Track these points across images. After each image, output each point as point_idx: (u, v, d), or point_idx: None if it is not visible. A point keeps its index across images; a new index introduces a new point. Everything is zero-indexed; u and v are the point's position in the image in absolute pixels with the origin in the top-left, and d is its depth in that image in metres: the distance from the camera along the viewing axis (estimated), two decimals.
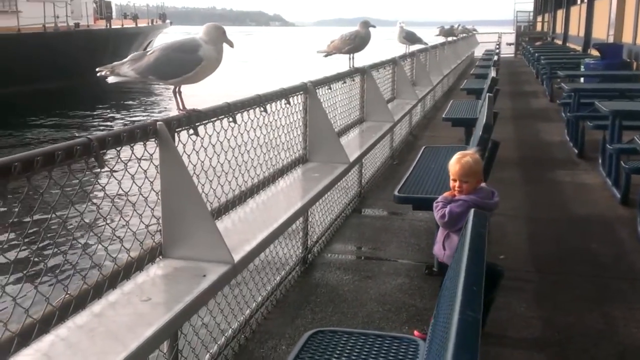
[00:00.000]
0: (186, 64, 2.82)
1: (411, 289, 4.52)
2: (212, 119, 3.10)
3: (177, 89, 2.91)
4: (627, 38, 15.64)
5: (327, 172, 4.43)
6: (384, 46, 22.20)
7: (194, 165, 2.91)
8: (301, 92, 4.52)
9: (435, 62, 13.09)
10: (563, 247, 5.35)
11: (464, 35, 23.32)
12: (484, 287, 1.66)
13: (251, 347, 3.73)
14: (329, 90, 5.42)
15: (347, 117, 6.10)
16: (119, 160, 2.41)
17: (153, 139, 2.56)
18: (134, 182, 2.51)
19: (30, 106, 23.42)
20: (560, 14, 31.77)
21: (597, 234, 5.68)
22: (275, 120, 4.05)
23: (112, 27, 33.28)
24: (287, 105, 4.21)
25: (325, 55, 6.60)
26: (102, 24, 34.06)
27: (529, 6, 49.29)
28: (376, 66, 7.21)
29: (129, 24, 36.11)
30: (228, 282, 2.71)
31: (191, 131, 3.00)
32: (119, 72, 2.80)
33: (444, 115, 8.82)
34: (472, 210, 2.25)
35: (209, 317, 3.59)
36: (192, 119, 2.86)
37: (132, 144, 2.48)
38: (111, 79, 2.81)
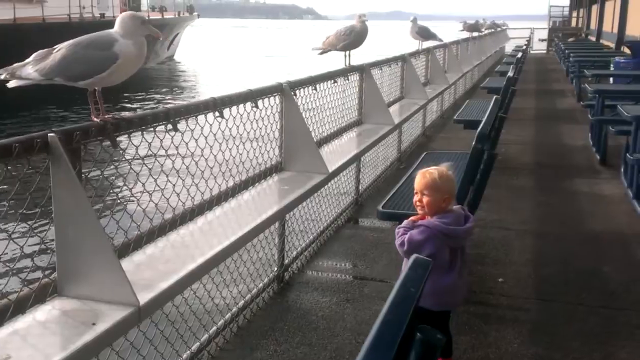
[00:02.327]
0: (98, 62, 2.40)
1: None
2: (142, 127, 2.67)
3: (92, 93, 2.49)
4: None
5: (299, 183, 3.97)
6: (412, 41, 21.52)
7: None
8: (276, 94, 4.06)
9: (454, 59, 12.48)
10: (571, 269, 4.81)
11: (492, 30, 22.53)
12: None
13: None
14: (320, 90, 4.97)
15: (340, 119, 5.62)
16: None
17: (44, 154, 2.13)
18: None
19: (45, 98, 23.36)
20: (594, 9, 30.65)
21: (611, 254, 5.12)
22: (237, 126, 3.61)
23: None
24: (255, 109, 3.76)
25: (321, 53, 6.14)
26: None
27: (565, 1, 47.98)
28: (379, 64, 6.71)
29: (155, 15, 35.97)
30: (127, 330, 2.28)
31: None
32: (21, 74, 2.39)
33: (455, 117, 8.28)
34: (412, 259, 1.75)
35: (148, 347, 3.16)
36: (108, 129, 2.42)
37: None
38: (12, 84, 2.41)
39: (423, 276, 1.67)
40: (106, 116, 2.49)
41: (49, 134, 2.13)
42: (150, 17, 34.28)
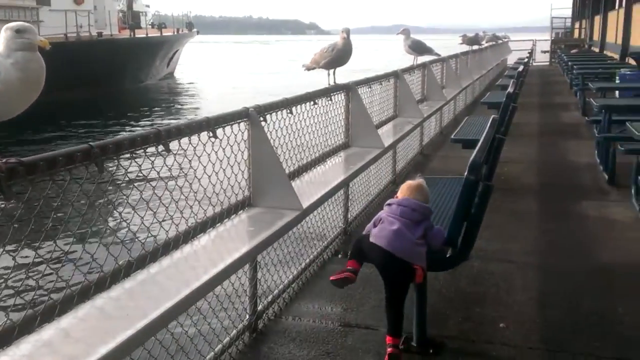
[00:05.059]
0: None
1: None
2: (44, 176, 2.16)
3: None
4: None
5: (269, 222, 3.48)
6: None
7: None
8: (240, 121, 3.58)
9: (452, 74, 12.00)
10: (581, 311, 4.28)
11: (492, 43, 22.08)
12: None
13: None
14: (299, 112, 4.49)
15: (323, 143, 5.13)
16: None
17: None
18: None
19: (49, 117, 23.00)
20: (597, 20, 30.20)
21: (626, 291, 4.59)
22: (198, 157, 3.12)
23: (136, 36, 32.91)
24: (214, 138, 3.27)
25: (307, 70, 5.69)
26: (126, 34, 33.77)
27: (567, 12, 47.58)
28: (368, 81, 6.22)
29: (154, 33, 35.76)
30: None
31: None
32: None
33: (453, 136, 7.80)
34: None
35: None
36: None
37: None
38: None
39: None
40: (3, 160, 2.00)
41: None
42: (149, 35, 34.17)
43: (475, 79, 15.40)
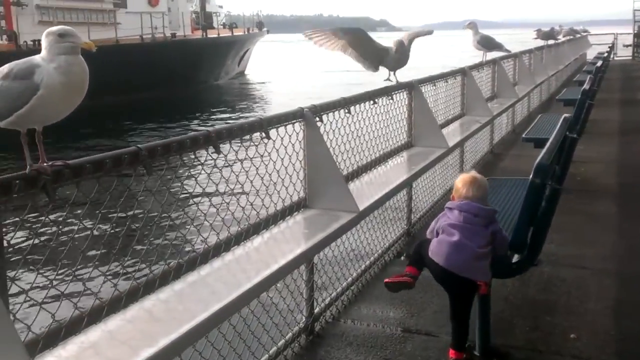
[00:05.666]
0: (16, 96, 1.90)
1: None
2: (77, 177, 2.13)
3: (25, 135, 1.99)
4: None
5: (324, 224, 3.39)
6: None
7: None
8: (295, 121, 3.50)
9: (525, 70, 11.54)
10: None
11: (570, 37, 21.18)
12: None
13: None
14: (358, 112, 4.38)
15: (384, 142, 5.00)
16: None
17: None
18: None
19: (124, 116, 23.83)
20: None
21: None
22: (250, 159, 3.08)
23: (208, 36, 33.61)
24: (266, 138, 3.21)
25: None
26: (199, 34, 34.55)
27: None
28: (433, 79, 6.03)
29: (225, 33, 36.41)
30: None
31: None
32: None
33: (524, 135, 7.48)
34: None
35: None
36: (42, 181, 1.92)
37: None
38: None
39: None
40: (44, 164, 1.99)
41: None
42: (221, 35, 34.82)
43: (551, 75, 14.78)
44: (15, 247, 2.00)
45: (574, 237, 5.58)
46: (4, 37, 25.41)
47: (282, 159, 3.42)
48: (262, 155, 3.27)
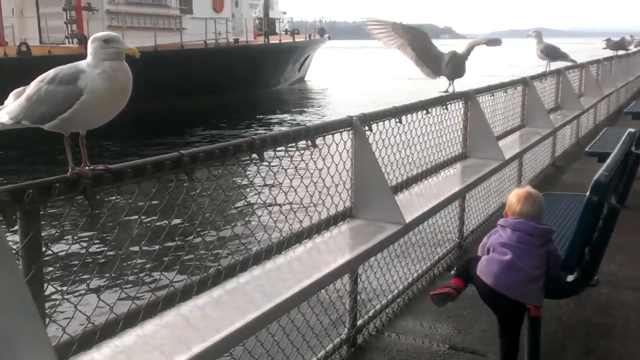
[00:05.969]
0: (60, 100, 1.93)
1: None
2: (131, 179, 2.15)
3: (68, 138, 2.02)
4: None
5: (369, 235, 3.32)
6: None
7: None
8: (345, 130, 3.45)
9: (592, 81, 11.12)
10: None
11: None
12: None
13: None
14: (410, 121, 4.30)
15: (437, 153, 4.89)
16: None
17: None
18: None
19: (182, 120, 24.34)
20: None
21: None
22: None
23: (270, 42, 33.99)
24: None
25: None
26: (261, 40, 35.00)
27: None
28: (490, 89, 5.86)
29: (287, 39, 36.75)
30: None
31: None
32: None
33: (587, 148, 7.19)
34: None
35: None
36: (82, 185, 1.94)
37: None
38: None
39: None
40: (86, 167, 2.01)
41: None
42: (282, 41, 35.18)
43: (620, 87, 14.20)
44: (55, 251, 2.02)
45: (637, 257, 5.31)
46: (75, 40, 26.35)
47: (329, 168, 3.38)
48: (307, 164, 3.23)
